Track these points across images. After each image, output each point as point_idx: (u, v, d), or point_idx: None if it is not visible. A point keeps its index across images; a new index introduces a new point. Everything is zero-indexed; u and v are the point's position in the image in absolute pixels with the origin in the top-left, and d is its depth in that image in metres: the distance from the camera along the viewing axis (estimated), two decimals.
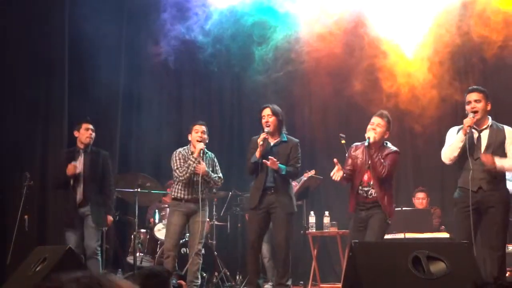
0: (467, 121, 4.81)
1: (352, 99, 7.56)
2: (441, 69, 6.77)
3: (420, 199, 7.34)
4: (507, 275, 5.79)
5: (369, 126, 5.08)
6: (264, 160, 5.32)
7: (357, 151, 5.20)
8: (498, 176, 4.86)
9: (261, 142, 5.37)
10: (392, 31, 6.67)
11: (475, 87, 5.08)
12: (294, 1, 7.10)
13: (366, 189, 5.10)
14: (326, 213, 7.17)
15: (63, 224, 5.90)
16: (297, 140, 5.65)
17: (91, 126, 6.03)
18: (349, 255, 3.34)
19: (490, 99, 4.95)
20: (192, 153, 5.83)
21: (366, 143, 5.00)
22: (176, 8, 7.40)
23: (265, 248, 6.98)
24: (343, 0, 6.93)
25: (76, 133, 6.03)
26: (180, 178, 5.79)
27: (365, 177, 5.11)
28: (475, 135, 4.93)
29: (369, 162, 5.05)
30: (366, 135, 5.03)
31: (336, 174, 5.04)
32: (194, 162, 5.75)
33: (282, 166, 5.39)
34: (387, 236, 6.52)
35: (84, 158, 5.96)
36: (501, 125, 4.96)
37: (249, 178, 6.06)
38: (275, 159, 5.32)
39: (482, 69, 7.75)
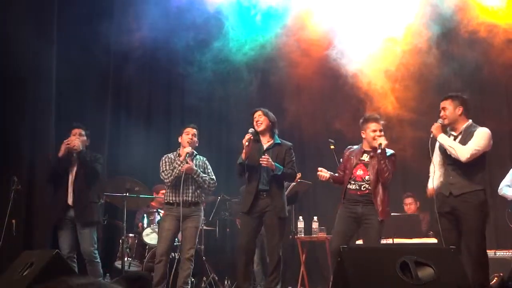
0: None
1: (341, 104, 7.59)
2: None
3: (407, 205, 7.37)
4: (494, 281, 5.82)
5: (374, 134, 5.13)
6: (261, 159, 5.28)
7: (352, 153, 5.27)
8: (469, 182, 4.75)
9: (246, 143, 5.32)
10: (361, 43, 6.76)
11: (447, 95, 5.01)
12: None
13: (360, 183, 5.14)
14: (315, 218, 7.19)
15: (51, 225, 5.86)
16: (290, 143, 5.61)
17: (78, 131, 5.98)
18: (338, 260, 3.35)
19: (460, 103, 4.86)
20: (180, 155, 5.79)
21: (379, 150, 5.03)
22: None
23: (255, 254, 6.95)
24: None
25: None
26: (166, 181, 5.77)
27: (359, 172, 5.16)
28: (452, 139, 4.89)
29: (372, 165, 5.10)
30: (377, 142, 5.05)
31: (323, 174, 5.19)
32: (179, 165, 5.69)
33: (279, 166, 5.35)
34: None
35: (78, 162, 5.92)
36: (477, 127, 4.85)
37: (238, 182, 6.01)
38: (268, 157, 5.29)
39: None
